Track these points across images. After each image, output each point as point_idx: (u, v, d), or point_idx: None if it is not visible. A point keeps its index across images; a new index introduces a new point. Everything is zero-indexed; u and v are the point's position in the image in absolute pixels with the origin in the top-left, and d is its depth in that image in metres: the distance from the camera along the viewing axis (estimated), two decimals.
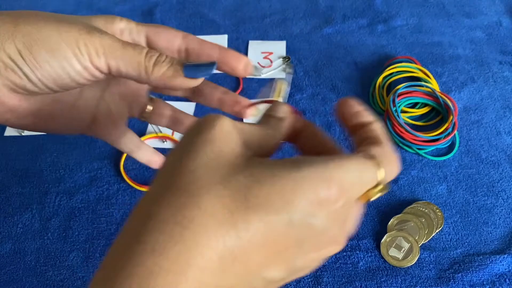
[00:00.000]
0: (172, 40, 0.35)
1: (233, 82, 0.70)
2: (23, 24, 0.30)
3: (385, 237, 0.54)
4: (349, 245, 0.54)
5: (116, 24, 0.34)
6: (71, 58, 0.30)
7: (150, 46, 0.35)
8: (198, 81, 0.32)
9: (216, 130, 0.24)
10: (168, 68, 0.31)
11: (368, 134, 0.29)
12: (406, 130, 0.61)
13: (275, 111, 0.31)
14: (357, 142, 0.30)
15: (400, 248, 0.53)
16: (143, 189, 0.59)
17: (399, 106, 0.63)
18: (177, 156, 0.23)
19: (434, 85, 0.67)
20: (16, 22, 0.30)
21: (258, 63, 0.72)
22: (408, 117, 0.64)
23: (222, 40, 0.75)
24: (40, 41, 0.29)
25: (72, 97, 0.36)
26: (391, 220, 0.55)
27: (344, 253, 0.54)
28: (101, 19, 0.34)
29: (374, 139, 0.29)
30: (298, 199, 0.22)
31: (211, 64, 0.32)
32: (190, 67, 0.31)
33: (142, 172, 0.61)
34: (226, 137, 0.24)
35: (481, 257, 0.53)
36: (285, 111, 0.31)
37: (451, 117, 0.62)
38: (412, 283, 0.51)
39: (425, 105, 0.65)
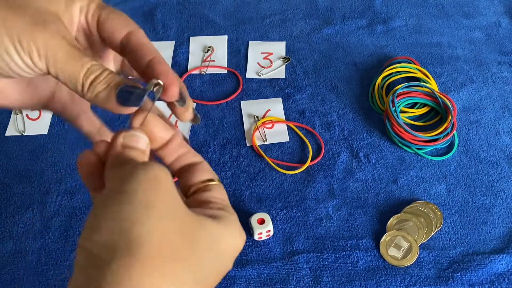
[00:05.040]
0: (117, 32, 0.32)
1: (233, 82, 0.71)
2: None
3: (384, 236, 0.54)
4: (348, 245, 0.54)
5: (77, 3, 0.31)
6: (12, 52, 0.28)
7: (99, 31, 0.33)
8: (130, 110, 0.29)
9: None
10: (103, 90, 0.29)
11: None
12: (405, 130, 0.61)
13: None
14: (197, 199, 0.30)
15: (400, 247, 0.54)
16: None
17: (398, 106, 0.63)
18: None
19: (433, 85, 0.67)
20: None
21: (258, 63, 0.72)
22: (407, 117, 0.65)
23: (222, 40, 0.76)
24: None
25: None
26: (391, 219, 0.56)
27: (344, 253, 0.54)
28: None
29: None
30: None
31: (141, 95, 0.29)
32: (124, 92, 0.29)
33: None
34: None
35: (480, 256, 0.53)
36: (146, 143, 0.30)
37: (450, 117, 0.62)
38: (411, 283, 0.52)
39: (424, 105, 0.66)
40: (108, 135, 0.40)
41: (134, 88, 0.29)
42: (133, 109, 0.29)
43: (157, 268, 0.23)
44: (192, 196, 0.30)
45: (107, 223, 0.23)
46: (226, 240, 0.28)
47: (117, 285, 0.22)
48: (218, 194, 0.31)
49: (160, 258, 0.23)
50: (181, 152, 0.31)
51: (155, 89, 0.30)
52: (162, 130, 0.30)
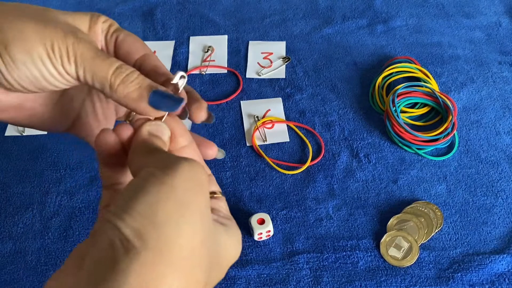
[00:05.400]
0: (133, 53, 0.33)
1: (233, 82, 0.70)
2: (2, 20, 0.29)
3: (384, 236, 0.54)
4: (349, 245, 0.54)
5: (99, 24, 0.33)
6: (46, 60, 0.29)
7: (115, 53, 0.34)
8: (160, 114, 0.31)
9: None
10: (135, 90, 0.30)
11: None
12: (406, 130, 0.61)
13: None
14: None
15: (400, 247, 0.54)
16: None
17: (398, 106, 0.63)
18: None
19: (433, 85, 0.67)
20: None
21: (258, 63, 0.72)
22: (408, 117, 0.64)
23: (222, 40, 0.76)
24: (17, 41, 0.29)
25: (56, 94, 0.36)
26: (391, 219, 0.55)
27: (344, 253, 0.54)
28: (87, 17, 0.33)
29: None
30: None
31: (178, 101, 0.30)
32: (157, 96, 0.30)
33: None
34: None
35: (480, 256, 0.53)
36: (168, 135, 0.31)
37: (451, 117, 0.62)
38: (411, 283, 0.51)
39: (424, 105, 0.66)
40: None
41: (169, 93, 0.30)
42: (163, 113, 0.30)
43: (178, 270, 0.23)
44: None
45: (141, 210, 0.23)
46: (229, 251, 0.29)
47: (140, 275, 0.22)
48: (224, 205, 0.32)
49: (183, 261, 0.23)
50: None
51: (179, 81, 0.31)
52: (182, 134, 0.31)
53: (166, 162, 0.26)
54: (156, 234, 0.23)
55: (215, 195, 0.32)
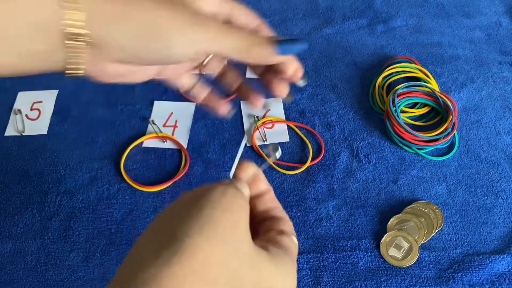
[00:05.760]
0: (247, 25, 0.38)
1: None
2: (140, 11, 0.31)
3: (384, 236, 0.54)
4: (349, 245, 0.54)
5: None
6: (177, 47, 0.32)
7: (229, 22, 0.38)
8: (288, 57, 0.36)
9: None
10: (262, 49, 0.34)
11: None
12: (406, 130, 0.61)
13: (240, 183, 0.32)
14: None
15: (400, 247, 0.53)
16: (144, 189, 0.59)
17: (398, 106, 0.63)
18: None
19: (433, 85, 0.67)
20: (134, 6, 0.31)
21: None
22: (408, 117, 0.64)
23: None
24: (152, 29, 0.31)
25: None
26: (391, 220, 0.55)
27: (344, 253, 0.54)
28: None
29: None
30: None
31: (300, 42, 0.35)
32: (282, 46, 0.34)
33: (142, 172, 0.61)
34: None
35: (480, 256, 0.53)
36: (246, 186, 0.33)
37: (451, 117, 0.62)
38: (411, 283, 0.51)
39: (424, 105, 0.66)
40: (202, 89, 0.45)
41: (290, 39, 0.35)
42: (290, 56, 0.36)
43: (186, 283, 0.23)
44: (265, 234, 0.32)
45: (166, 226, 0.25)
46: (273, 280, 0.29)
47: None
48: (289, 242, 0.33)
49: (192, 275, 0.24)
50: (271, 206, 0.34)
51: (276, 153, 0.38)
52: (262, 183, 0.34)
53: (206, 187, 0.28)
54: (169, 250, 0.24)
55: (283, 234, 0.33)
